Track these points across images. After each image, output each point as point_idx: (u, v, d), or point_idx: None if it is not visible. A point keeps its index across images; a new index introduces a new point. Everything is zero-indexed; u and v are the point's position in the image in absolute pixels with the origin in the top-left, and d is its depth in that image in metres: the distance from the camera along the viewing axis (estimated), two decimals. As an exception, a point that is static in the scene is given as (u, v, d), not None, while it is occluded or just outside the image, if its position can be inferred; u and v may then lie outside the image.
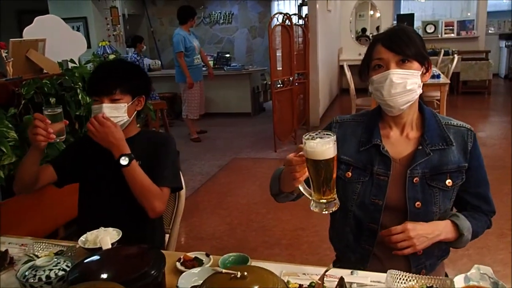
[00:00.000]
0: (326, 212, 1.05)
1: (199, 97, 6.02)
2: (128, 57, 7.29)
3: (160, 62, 8.67)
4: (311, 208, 1.06)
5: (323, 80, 7.06)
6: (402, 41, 1.22)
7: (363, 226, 1.34)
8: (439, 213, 1.30)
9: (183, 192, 1.83)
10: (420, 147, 1.29)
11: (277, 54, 5.18)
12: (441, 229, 1.26)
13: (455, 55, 6.50)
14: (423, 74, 1.26)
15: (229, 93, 7.52)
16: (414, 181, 1.28)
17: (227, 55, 7.86)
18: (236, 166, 4.84)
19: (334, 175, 1.03)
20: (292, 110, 5.51)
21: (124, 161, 1.49)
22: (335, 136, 1.00)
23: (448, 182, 1.28)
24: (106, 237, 1.18)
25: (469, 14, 10.28)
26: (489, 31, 10.33)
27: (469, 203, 1.35)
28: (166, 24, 9.67)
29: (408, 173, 1.28)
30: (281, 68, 5.27)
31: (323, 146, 0.99)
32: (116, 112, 1.54)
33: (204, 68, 6.29)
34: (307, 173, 1.04)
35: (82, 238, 1.29)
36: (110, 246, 1.15)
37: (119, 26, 7.66)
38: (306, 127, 6.24)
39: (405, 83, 1.21)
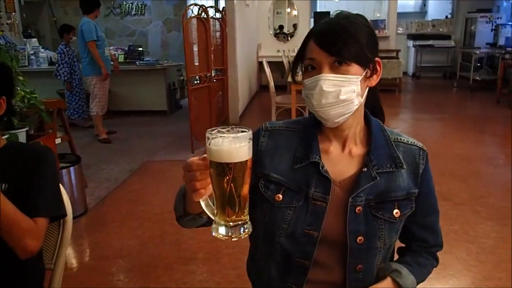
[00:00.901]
0: (233, 238, 0.77)
1: (108, 91, 5.60)
2: (24, 49, 6.53)
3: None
4: (212, 233, 0.78)
5: (242, 77, 6.84)
6: (339, 38, 0.95)
7: (291, 261, 1.08)
8: (384, 248, 1.08)
9: (70, 217, 1.45)
10: (365, 169, 1.04)
11: (194, 49, 4.86)
12: None
13: (370, 54, 6.61)
14: (367, 78, 1.01)
15: (142, 89, 7.00)
16: (356, 210, 1.04)
17: (140, 49, 7.33)
18: (149, 170, 4.43)
19: (247, 188, 0.76)
20: (210, 107, 5.21)
21: None
22: (250, 132, 0.74)
23: (396, 212, 1.06)
24: None
25: (378, 15, 10.69)
26: (398, 31, 10.81)
27: (415, 235, 1.15)
28: (71, 14, 8.86)
29: (350, 201, 1.03)
30: (197, 64, 4.95)
31: (233, 144, 0.73)
32: None
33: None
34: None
35: None
36: None
37: (14, 14, 6.83)
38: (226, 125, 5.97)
39: (338, 92, 0.96)
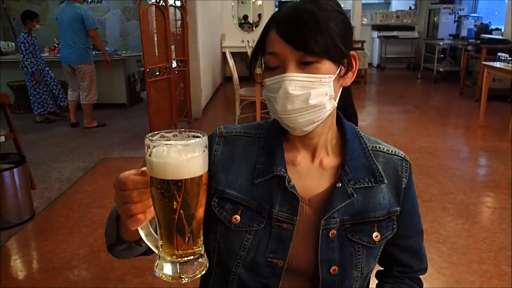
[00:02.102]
0: (184, 279, 0.58)
1: None
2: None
3: (15, 45, 7.38)
4: (156, 272, 0.59)
5: (205, 68, 6.59)
6: (306, 28, 0.75)
7: None
8: (360, 277, 0.91)
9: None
10: (339, 185, 0.86)
11: (154, 39, 4.59)
12: None
13: (336, 44, 6.50)
14: (341, 77, 0.82)
15: (99, 81, 6.54)
16: (329, 234, 0.86)
17: (96, 38, 6.92)
18: (105, 169, 4.14)
19: (202, 211, 0.58)
20: (170, 100, 4.95)
21: None
22: (206, 138, 0.57)
23: (376, 235, 0.88)
24: None
25: (343, 5, 10.57)
26: (363, 22, 10.78)
27: (397, 259, 0.98)
28: (23, 0, 8.32)
29: (323, 224, 0.85)
30: (157, 54, 4.67)
31: (183, 155, 0.54)
32: None
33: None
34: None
35: None
36: None
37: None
38: (188, 119, 5.74)
39: (307, 96, 0.77)
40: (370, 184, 0.87)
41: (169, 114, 4.95)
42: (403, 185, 0.91)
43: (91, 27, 5.25)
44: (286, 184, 0.85)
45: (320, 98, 0.78)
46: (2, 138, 3.35)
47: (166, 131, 0.58)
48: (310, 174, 0.89)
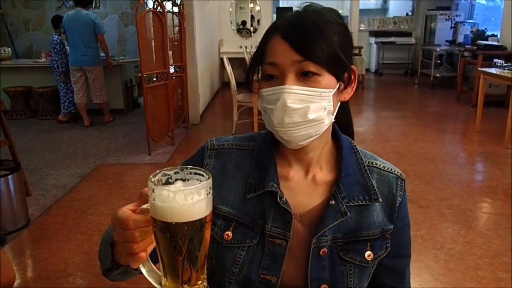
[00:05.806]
0: None
1: None
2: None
3: (11, 50, 7.39)
4: None
5: (203, 74, 6.59)
6: (311, 36, 0.75)
7: None
8: None
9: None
10: (333, 202, 0.84)
11: (152, 45, 4.59)
12: None
13: (333, 50, 6.50)
14: (340, 92, 0.81)
15: (96, 87, 6.61)
16: (320, 252, 0.84)
17: (94, 44, 6.94)
18: (101, 175, 4.13)
19: (206, 246, 0.57)
20: (168, 106, 4.94)
21: None
22: (210, 180, 0.55)
23: (368, 254, 0.86)
24: None
25: (341, 11, 10.62)
26: (361, 28, 10.80)
27: (380, 281, 0.93)
28: (20, 6, 8.33)
29: (314, 242, 0.83)
30: (154, 60, 4.67)
31: (188, 199, 0.53)
32: None
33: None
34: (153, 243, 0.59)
35: None
36: None
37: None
38: (185, 125, 5.73)
39: (305, 110, 0.76)
40: (364, 203, 0.85)
41: (166, 120, 4.94)
42: (397, 204, 0.88)
43: (100, 32, 5.62)
44: (278, 200, 0.83)
45: (319, 112, 0.77)
46: (-3, 145, 3.34)
47: (167, 168, 0.58)
48: (303, 189, 0.87)
